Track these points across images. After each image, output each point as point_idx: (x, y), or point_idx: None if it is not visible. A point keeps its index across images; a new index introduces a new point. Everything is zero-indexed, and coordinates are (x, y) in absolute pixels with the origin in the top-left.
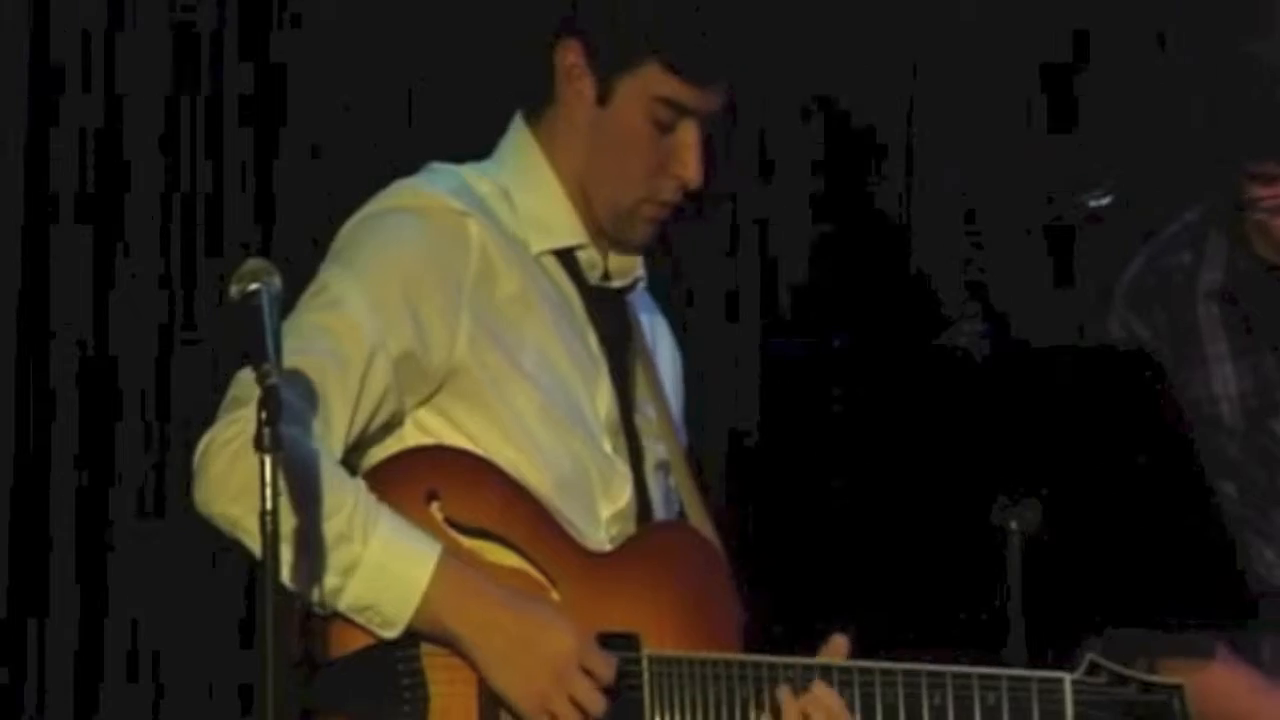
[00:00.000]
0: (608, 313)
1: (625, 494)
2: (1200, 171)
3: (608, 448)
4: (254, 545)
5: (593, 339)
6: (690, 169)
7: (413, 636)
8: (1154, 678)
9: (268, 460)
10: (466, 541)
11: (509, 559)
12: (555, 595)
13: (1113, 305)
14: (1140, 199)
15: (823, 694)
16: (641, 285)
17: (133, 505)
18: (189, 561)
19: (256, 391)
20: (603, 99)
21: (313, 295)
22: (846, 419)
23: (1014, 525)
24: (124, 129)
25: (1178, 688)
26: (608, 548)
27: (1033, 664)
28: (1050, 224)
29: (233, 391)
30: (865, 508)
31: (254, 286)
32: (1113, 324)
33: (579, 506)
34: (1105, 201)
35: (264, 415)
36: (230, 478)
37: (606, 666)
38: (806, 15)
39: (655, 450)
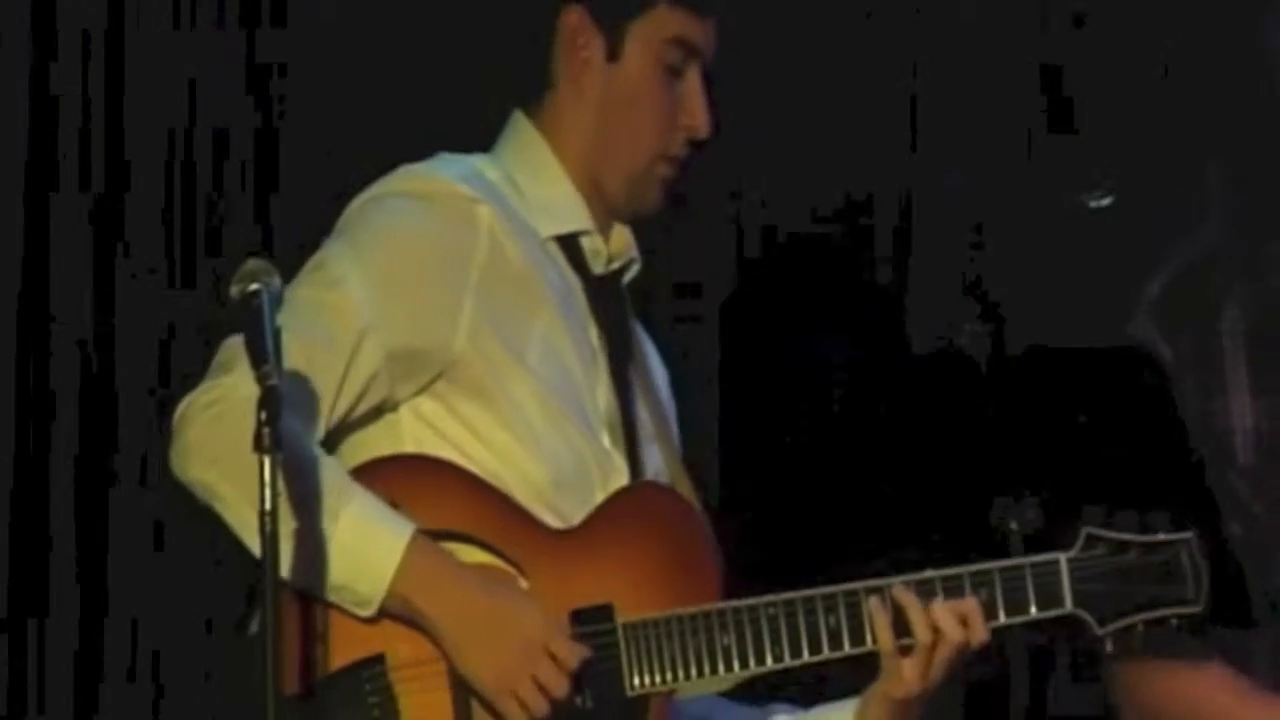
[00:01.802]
0: (608, 304)
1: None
2: (1202, 176)
3: (606, 442)
4: (227, 511)
5: (593, 331)
6: (699, 116)
7: (379, 654)
8: (1158, 536)
9: (267, 460)
10: None
11: (476, 555)
12: (524, 583)
13: (1137, 314)
14: (1140, 199)
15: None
16: (636, 266)
17: (133, 506)
18: (189, 561)
19: (241, 357)
20: (613, 53)
21: (311, 270)
22: (847, 420)
23: (1014, 525)
24: (124, 129)
25: (1187, 540)
26: (576, 522)
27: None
28: (1050, 224)
29: (218, 357)
30: (865, 508)
31: (254, 287)
32: (1136, 330)
33: (577, 499)
34: (1105, 201)
35: (263, 415)
36: (206, 443)
37: (571, 652)
38: (807, 15)
39: (650, 447)
